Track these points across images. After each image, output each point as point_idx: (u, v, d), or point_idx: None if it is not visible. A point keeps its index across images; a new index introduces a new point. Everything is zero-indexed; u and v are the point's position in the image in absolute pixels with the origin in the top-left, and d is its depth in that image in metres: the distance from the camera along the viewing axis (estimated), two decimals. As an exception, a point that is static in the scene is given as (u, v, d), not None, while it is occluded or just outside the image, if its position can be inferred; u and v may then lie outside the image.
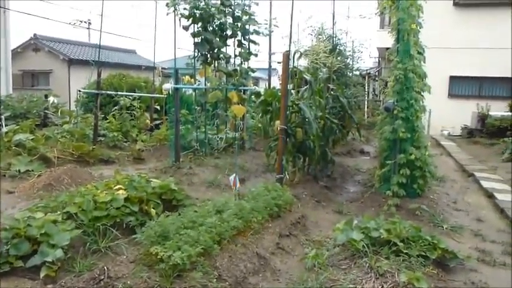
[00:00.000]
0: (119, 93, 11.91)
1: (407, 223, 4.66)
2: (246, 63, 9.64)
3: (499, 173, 9.47)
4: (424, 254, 4.12)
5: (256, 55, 9.85)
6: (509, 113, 14.61)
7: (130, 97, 11.82)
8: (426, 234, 4.43)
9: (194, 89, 9.60)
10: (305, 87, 7.14)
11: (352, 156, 10.74)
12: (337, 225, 4.58)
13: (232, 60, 9.46)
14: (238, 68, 9.44)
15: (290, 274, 4.05)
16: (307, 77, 7.04)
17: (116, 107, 11.45)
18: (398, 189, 6.09)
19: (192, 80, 9.70)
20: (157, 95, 12.30)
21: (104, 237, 4.01)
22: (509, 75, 16.56)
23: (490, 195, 7.44)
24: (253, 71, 10.00)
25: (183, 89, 11.28)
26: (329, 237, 4.83)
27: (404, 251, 4.06)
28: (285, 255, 4.42)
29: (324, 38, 12.41)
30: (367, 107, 18.21)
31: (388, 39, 7.76)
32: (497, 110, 14.95)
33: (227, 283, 3.49)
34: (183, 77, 10.94)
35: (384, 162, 6.50)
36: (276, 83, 12.98)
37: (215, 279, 3.42)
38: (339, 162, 8.78)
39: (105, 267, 3.28)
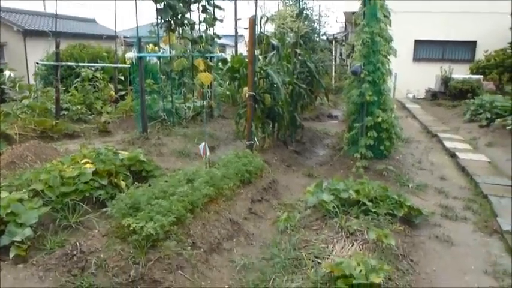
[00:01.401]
0: (80, 64, 11.46)
1: (375, 183, 4.80)
2: (211, 29, 9.43)
3: (460, 133, 9.82)
4: (391, 212, 4.29)
5: (221, 21, 9.64)
6: (471, 76, 15.02)
7: (92, 68, 11.41)
8: (393, 193, 4.59)
9: (159, 58, 9.35)
10: (272, 52, 7.07)
11: (321, 121, 10.86)
12: (308, 188, 4.66)
13: (197, 27, 9.22)
14: (203, 35, 9.22)
15: (263, 237, 4.12)
16: (274, 42, 6.96)
17: (77, 79, 11.04)
18: (365, 151, 6.22)
19: (156, 48, 9.43)
20: (121, 65, 11.94)
21: (74, 213, 3.90)
22: (471, 39, 16.99)
23: (452, 154, 7.73)
24: (219, 37, 9.81)
25: (147, 58, 11.00)
26: (300, 200, 4.92)
27: (373, 210, 4.19)
28: (258, 220, 4.48)
29: (291, 2, 12.21)
30: (335, 72, 18.27)
31: (354, 4, 7.73)
32: (459, 73, 15.34)
33: (202, 250, 3.52)
34: (147, 46, 10.62)
35: (352, 126, 6.60)
36: (243, 49, 12.79)
37: (189, 247, 3.44)
38: (307, 126, 8.85)
39: (77, 243, 3.23)
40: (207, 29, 9.31)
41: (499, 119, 9.73)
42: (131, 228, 3.29)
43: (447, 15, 16.34)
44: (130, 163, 4.91)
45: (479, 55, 16.74)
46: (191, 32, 9.06)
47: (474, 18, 16.17)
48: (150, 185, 4.24)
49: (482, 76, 15.03)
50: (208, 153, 5.42)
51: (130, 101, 9.84)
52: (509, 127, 8.82)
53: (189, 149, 6.84)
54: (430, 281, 3.51)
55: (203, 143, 5.36)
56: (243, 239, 4.03)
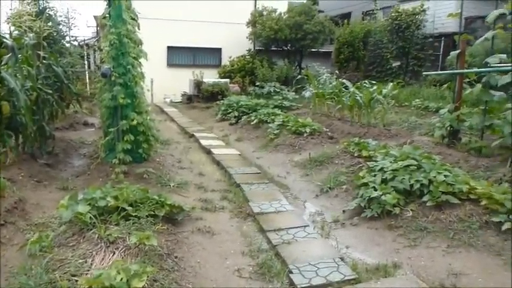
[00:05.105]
0: None
1: (135, 187, 4.72)
2: None
3: (214, 131, 10.75)
4: (153, 213, 4.27)
5: None
6: (220, 80, 16.62)
7: None
8: (154, 195, 4.59)
9: None
10: (9, 54, 6.16)
11: (76, 129, 10.14)
12: (61, 202, 4.23)
13: None
14: None
15: (10, 267, 3.54)
16: (8, 41, 6.08)
17: None
18: (124, 156, 6.06)
19: None
20: None
21: None
22: (217, 46, 18.83)
23: (208, 151, 8.36)
24: None
25: None
26: (54, 217, 4.45)
27: (134, 214, 4.11)
28: (2, 248, 3.82)
29: (29, 1, 10.96)
30: (89, 78, 17.44)
31: (103, 7, 7.46)
32: (209, 77, 16.77)
33: None
34: None
35: (107, 131, 6.34)
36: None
37: None
38: (60, 137, 8.12)
39: None
40: None
41: (244, 116, 11.11)
42: None
43: (195, 24, 17.66)
44: None
45: (225, 60, 18.69)
46: None
47: (218, 28, 17.93)
48: None
49: (229, 79, 16.84)
50: None
51: None
52: (253, 122, 10.14)
53: None
54: (195, 273, 3.64)
55: None
56: (-19, 274, 3.36)
